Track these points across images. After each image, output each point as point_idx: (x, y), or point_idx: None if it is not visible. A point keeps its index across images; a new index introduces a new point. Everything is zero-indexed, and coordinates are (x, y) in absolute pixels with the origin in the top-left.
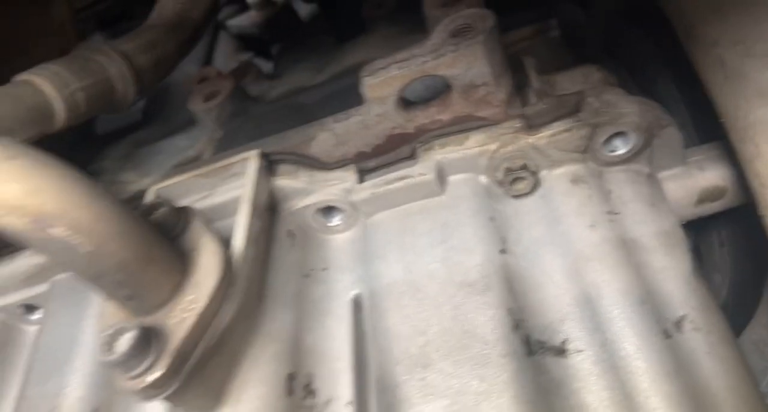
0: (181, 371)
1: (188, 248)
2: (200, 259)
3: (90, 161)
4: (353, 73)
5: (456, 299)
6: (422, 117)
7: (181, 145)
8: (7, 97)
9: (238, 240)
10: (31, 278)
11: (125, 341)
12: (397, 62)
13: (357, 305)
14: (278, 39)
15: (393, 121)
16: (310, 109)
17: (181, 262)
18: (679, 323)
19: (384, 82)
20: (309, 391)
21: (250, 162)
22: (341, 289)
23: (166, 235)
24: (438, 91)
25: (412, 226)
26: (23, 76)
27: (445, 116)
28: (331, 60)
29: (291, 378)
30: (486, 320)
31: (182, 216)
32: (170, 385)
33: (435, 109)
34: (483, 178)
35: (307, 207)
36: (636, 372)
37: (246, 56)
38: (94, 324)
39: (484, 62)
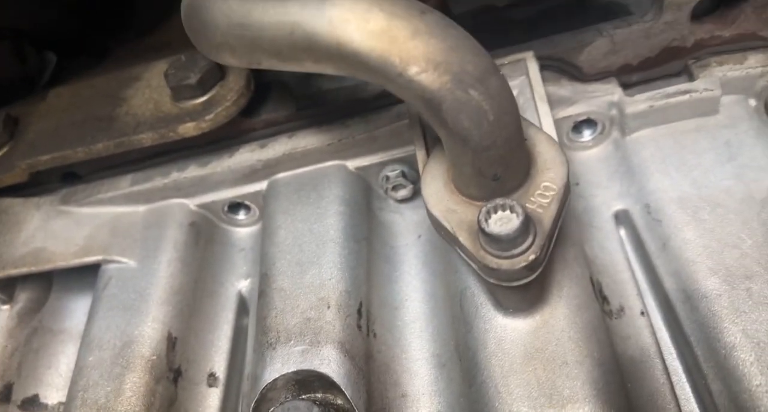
0: (545, 257)
1: None
2: (537, 148)
3: None
4: None
5: (763, 216)
6: (701, 31)
7: None
8: None
9: (550, 133)
10: (252, 175)
11: (511, 219)
12: None
13: (621, 219)
14: None
15: (677, 32)
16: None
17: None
18: None
19: None
20: (603, 297)
21: (529, 63)
22: (600, 204)
23: None
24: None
25: (690, 143)
26: None
27: (726, 33)
28: None
29: (592, 282)
30: None
31: None
32: (536, 269)
33: (713, 25)
34: (752, 102)
35: (566, 118)
36: None
37: None
38: (338, 222)
39: None
